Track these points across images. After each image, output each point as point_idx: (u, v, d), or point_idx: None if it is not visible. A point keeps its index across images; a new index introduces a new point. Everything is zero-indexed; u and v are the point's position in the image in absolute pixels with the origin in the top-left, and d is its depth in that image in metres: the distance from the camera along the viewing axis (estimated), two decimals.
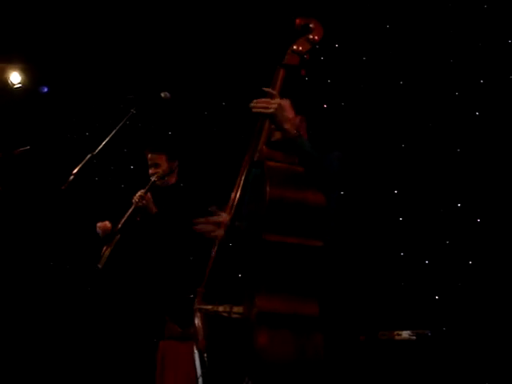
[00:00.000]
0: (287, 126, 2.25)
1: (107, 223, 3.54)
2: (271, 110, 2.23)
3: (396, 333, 3.46)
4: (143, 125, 4.78)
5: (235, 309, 2.26)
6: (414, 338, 3.42)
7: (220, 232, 2.36)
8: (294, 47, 2.32)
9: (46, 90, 5.22)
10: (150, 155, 3.62)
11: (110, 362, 4.31)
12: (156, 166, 3.58)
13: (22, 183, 4.75)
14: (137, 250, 3.53)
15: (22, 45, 5.04)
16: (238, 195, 2.34)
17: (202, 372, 2.51)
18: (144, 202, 3.42)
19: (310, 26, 2.34)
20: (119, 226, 3.51)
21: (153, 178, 3.50)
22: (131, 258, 3.55)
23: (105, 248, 3.64)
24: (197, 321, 2.35)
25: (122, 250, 3.51)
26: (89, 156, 2.82)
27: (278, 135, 2.41)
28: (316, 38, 2.32)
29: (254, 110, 2.26)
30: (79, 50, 5.12)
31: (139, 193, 3.45)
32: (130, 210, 3.48)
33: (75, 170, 2.75)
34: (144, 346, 3.78)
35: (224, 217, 2.37)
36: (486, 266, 3.88)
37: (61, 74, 5.20)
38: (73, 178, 2.73)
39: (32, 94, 5.20)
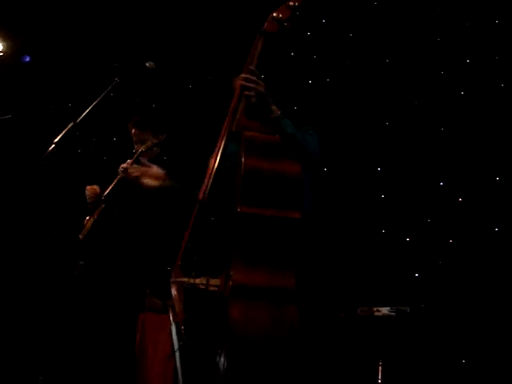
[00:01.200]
0: (273, 107, 2.26)
1: (96, 187, 3.50)
2: (261, 90, 2.23)
3: (375, 309, 3.47)
4: (127, 95, 4.71)
5: (212, 281, 2.25)
6: (394, 314, 3.44)
7: None
8: (274, 14, 2.30)
9: (27, 59, 5.13)
10: (133, 130, 3.56)
11: (89, 334, 4.30)
12: (142, 141, 3.52)
13: (2, 151, 4.69)
14: (119, 221, 3.49)
15: (3, 13, 4.94)
16: (216, 166, 2.32)
17: (179, 345, 2.51)
18: (127, 173, 3.36)
19: None
20: (104, 195, 3.47)
21: (141, 148, 3.43)
22: (113, 230, 3.51)
23: (87, 218, 3.60)
24: (174, 293, 2.34)
25: (104, 221, 3.47)
26: (71, 124, 2.78)
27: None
28: (297, 4, 2.28)
29: (243, 84, 2.25)
30: (62, 18, 5.02)
31: (125, 164, 3.39)
32: (116, 180, 3.43)
33: (56, 139, 2.71)
34: (124, 319, 3.77)
35: None
36: (467, 244, 3.92)
37: (43, 42, 5.11)
38: (54, 147, 2.70)
39: (14, 63, 5.11)
